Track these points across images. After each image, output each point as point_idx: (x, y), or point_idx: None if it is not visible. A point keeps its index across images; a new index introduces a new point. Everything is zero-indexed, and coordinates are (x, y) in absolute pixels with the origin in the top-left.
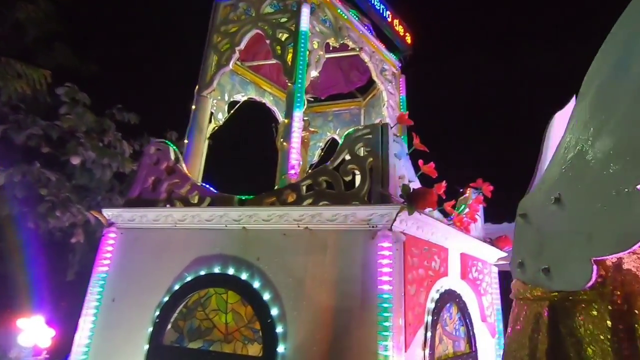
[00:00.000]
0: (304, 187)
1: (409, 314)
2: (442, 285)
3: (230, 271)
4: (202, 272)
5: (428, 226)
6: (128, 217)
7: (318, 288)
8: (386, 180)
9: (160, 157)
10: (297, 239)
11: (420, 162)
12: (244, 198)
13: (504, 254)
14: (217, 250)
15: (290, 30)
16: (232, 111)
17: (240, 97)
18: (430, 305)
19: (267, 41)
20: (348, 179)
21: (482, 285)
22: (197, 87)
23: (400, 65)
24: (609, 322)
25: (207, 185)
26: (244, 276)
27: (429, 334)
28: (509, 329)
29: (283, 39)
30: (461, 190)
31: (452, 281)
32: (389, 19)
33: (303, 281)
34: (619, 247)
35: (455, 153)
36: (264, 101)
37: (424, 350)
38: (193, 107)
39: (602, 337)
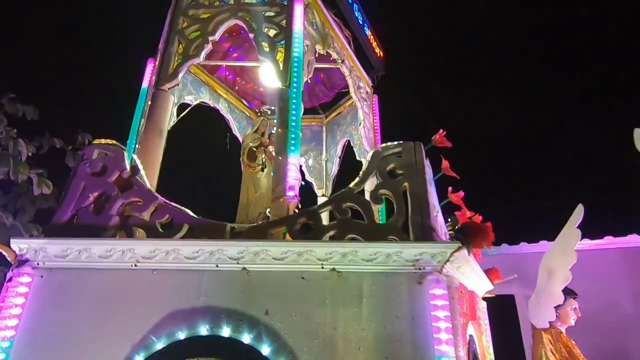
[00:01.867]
0: (322, 216)
1: None
2: (468, 332)
3: (225, 332)
4: (180, 335)
5: (467, 266)
6: (55, 251)
7: (354, 352)
8: (426, 210)
9: (109, 164)
10: (321, 284)
11: (450, 189)
12: (235, 227)
13: (492, 287)
14: (202, 302)
15: (281, 26)
16: (180, 115)
17: (192, 100)
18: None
19: (251, 35)
20: (379, 206)
21: (482, 324)
22: (154, 78)
23: (372, 84)
24: None
25: (180, 207)
26: (246, 339)
27: None
28: None
29: (272, 35)
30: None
31: (470, 325)
32: (368, 34)
33: (333, 343)
34: None
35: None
36: (217, 107)
37: None
38: (148, 102)
39: None
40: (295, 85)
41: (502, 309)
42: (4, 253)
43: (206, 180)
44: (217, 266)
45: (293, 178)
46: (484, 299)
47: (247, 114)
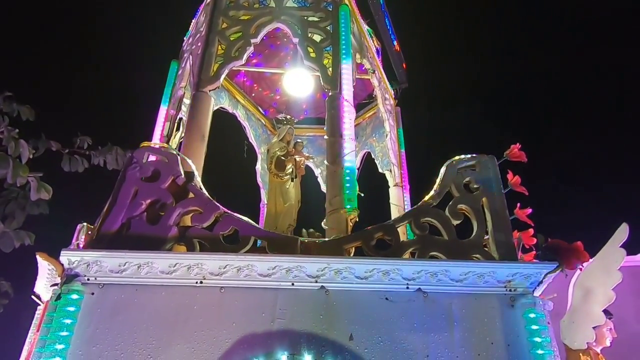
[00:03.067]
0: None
1: None
2: None
3: (307, 359)
4: None
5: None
6: (112, 265)
7: None
8: (508, 228)
9: (162, 169)
10: (407, 306)
11: (518, 205)
12: (305, 241)
13: None
14: (279, 324)
15: (327, 31)
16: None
17: (213, 105)
18: None
19: (295, 40)
20: (458, 222)
21: None
22: (194, 80)
23: (395, 97)
24: None
25: (245, 218)
26: None
27: None
28: None
29: (318, 40)
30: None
31: None
32: (396, 45)
33: None
34: None
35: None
36: (235, 113)
37: None
38: (189, 103)
39: None
40: (346, 92)
41: None
42: (51, 265)
43: (222, 188)
44: (292, 284)
45: (350, 189)
46: None
47: (263, 121)
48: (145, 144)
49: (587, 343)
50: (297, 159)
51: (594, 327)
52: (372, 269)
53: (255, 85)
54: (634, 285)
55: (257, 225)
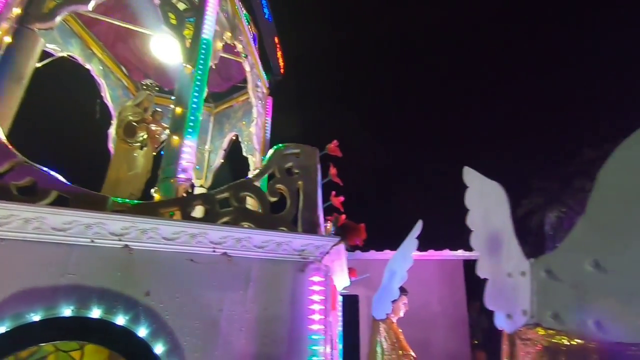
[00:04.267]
0: (218, 202)
1: (327, 354)
2: (329, 319)
3: (95, 313)
4: (34, 316)
5: (339, 260)
6: None
7: (237, 333)
8: (315, 208)
9: None
10: (211, 267)
11: (333, 193)
12: (119, 201)
13: (348, 284)
14: (69, 280)
15: (192, 2)
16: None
17: (56, 50)
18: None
19: (156, 1)
20: (274, 200)
21: (338, 315)
22: (18, 11)
23: (269, 86)
24: None
25: (48, 170)
26: (120, 320)
27: None
28: None
29: (181, 9)
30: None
31: (331, 314)
32: (275, 36)
33: (217, 324)
34: None
35: None
36: (88, 67)
37: None
38: (7, 39)
39: None
40: (201, 67)
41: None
42: None
43: (63, 146)
44: (92, 241)
45: (187, 161)
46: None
47: (125, 83)
48: None
49: (386, 314)
50: (153, 128)
51: (392, 301)
52: (179, 231)
53: (120, 41)
54: (438, 275)
55: (61, 178)
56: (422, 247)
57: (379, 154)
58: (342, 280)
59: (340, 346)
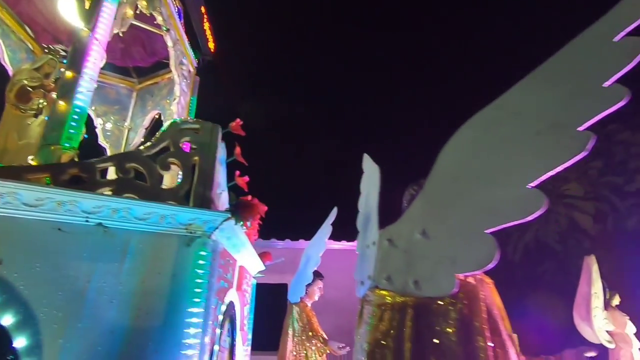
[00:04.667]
0: (99, 171)
1: (209, 329)
2: (228, 297)
3: None
4: None
5: (236, 238)
6: None
7: (106, 305)
8: (210, 185)
9: None
10: (81, 238)
11: (237, 173)
12: None
13: (264, 268)
14: None
15: None
16: None
17: None
18: (220, 317)
19: None
20: (166, 173)
21: (246, 297)
22: None
23: (196, 65)
24: (456, 318)
25: None
26: None
27: (216, 347)
28: (363, 327)
29: None
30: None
31: (233, 293)
32: (203, 13)
33: (82, 295)
34: (476, 269)
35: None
36: None
37: None
38: None
39: (450, 329)
40: (100, 31)
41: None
42: None
43: None
44: None
45: (75, 128)
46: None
47: (30, 46)
48: None
49: (300, 297)
50: (53, 96)
51: (306, 285)
52: (44, 198)
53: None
54: (335, 262)
55: None
56: (346, 236)
57: (309, 145)
58: (251, 263)
59: (249, 328)
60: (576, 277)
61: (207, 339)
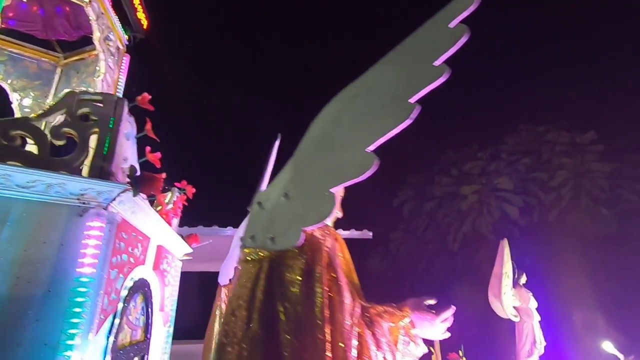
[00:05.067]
0: None
1: (105, 299)
2: (137, 273)
3: None
4: None
5: (142, 212)
6: None
7: None
8: (110, 157)
9: None
10: None
11: (148, 149)
12: None
13: (190, 250)
14: None
15: None
16: None
17: None
18: (124, 292)
19: None
20: (60, 143)
21: (167, 277)
22: None
23: (127, 43)
24: (302, 268)
25: None
26: None
27: (117, 321)
28: (234, 287)
29: None
30: (166, 187)
31: (146, 271)
32: None
33: None
34: (318, 222)
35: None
36: None
37: (109, 337)
38: None
39: (298, 278)
40: None
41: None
42: None
43: None
44: None
45: None
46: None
47: None
48: None
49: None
50: None
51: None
52: None
53: None
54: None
55: None
56: None
57: (244, 132)
58: (173, 244)
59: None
60: None
61: (97, 309)
